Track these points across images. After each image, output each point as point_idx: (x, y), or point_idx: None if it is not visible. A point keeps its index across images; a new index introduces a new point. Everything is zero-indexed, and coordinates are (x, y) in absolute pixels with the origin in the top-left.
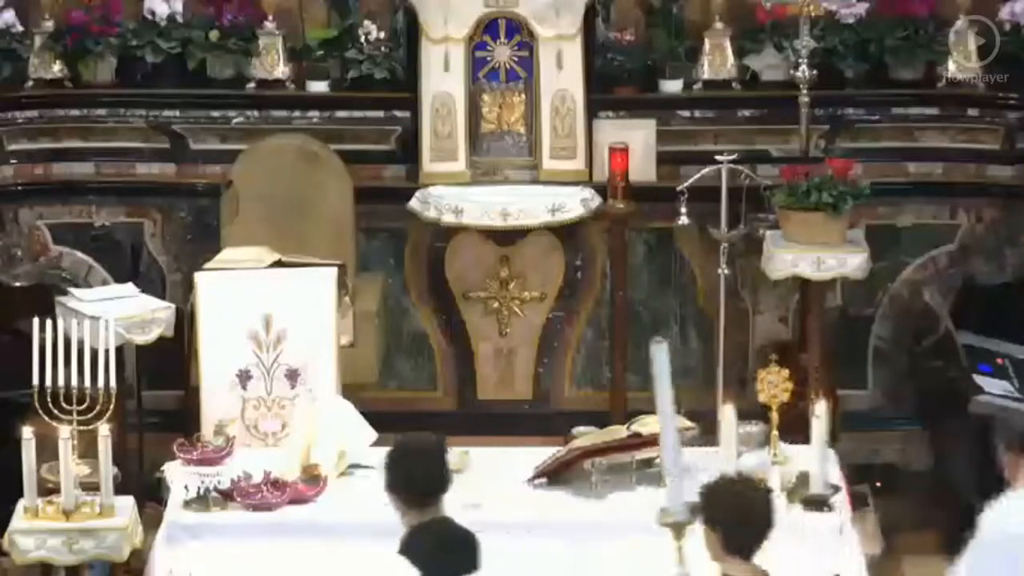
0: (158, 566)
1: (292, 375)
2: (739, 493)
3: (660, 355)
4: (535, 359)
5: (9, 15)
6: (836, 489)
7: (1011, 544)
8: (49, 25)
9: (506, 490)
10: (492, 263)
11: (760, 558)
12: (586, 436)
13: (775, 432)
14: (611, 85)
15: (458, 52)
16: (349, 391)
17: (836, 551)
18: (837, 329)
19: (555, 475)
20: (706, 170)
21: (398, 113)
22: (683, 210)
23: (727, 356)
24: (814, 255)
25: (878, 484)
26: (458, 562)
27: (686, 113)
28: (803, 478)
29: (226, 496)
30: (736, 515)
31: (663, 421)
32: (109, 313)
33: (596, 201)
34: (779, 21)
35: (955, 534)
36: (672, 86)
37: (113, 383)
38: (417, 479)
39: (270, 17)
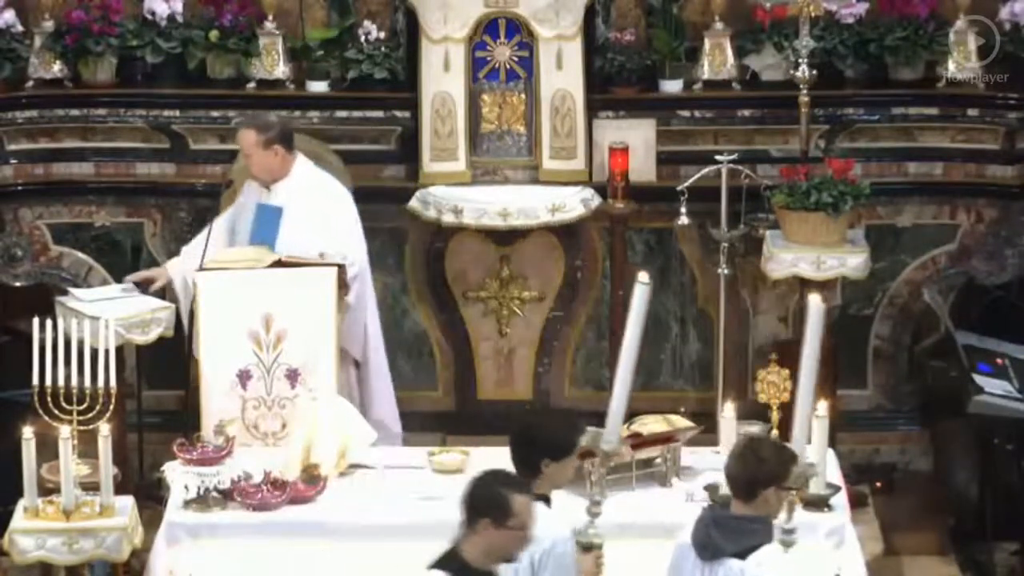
0: (158, 566)
1: (292, 375)
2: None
3: (640, 293)
4: (535, 359)
5: (9, 15)
6: (836, 489)
7: None
8: (49, 25)
9: None
10: (492, 263)
11: (757, 558)
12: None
13: (775, 432)
14: (611, 85)
15: (458, 52)
16: None
17: (836, 551)
18: (837, 329)
19: None
20: (706, 170)
21: (398, 113)
22: (683, 210)
23: (727, 356)
24: (814, 255)
25: (878, 484)
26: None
27: (686, 113)
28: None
29: (226, 496)
30: None
31: (625, 357)
32: (109, 313)
33: (596, 201)
34: (779, 21)
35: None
36: (672, 86)
37: (113, 383)
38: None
39: (270, 17)
